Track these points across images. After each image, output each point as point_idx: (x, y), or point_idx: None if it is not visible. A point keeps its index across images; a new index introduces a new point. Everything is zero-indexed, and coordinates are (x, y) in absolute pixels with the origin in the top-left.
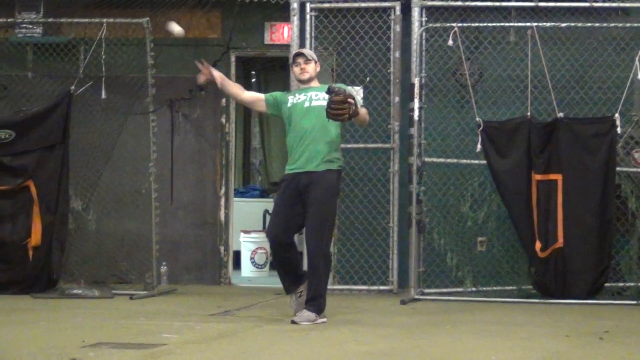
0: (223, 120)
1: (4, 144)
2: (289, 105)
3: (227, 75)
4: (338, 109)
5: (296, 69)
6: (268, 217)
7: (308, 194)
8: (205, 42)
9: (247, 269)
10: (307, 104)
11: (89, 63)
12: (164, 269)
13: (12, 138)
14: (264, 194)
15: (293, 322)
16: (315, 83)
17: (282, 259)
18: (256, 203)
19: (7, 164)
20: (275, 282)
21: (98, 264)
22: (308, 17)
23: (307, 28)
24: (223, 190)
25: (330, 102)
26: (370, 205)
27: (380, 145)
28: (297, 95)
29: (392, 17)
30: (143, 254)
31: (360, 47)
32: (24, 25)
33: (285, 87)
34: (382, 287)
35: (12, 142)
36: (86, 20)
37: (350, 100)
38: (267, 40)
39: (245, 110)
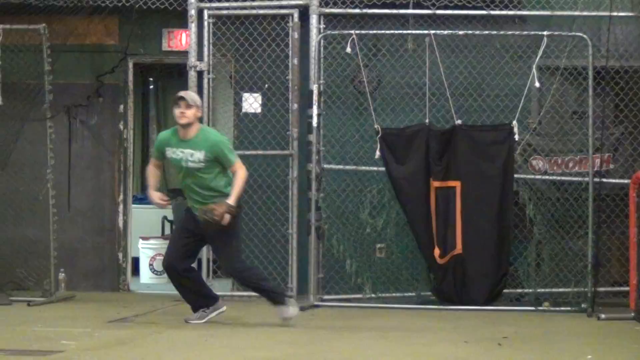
0: (121, 126)
1: None
2: (166, 153)
3: (125, 81)
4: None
5: (177, 112)
6: (167, 224)
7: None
8: (103, 49)
9: (145, 275)
10: (184, 164)
11: None
12: (62, 275)
13: None
14: None
15: (284, 318)
16: (194, 128)
17: (178, 285)
18: (154, 210)
19: None
20: (174, 289)
21: None
22: (206, 23)
23: (205, 35)
24: (121, 197)
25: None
26: (269, 212)
27: (279, 152)
28: (175, 150)
29: (290, 24)
30: (41, 261)
31: (258, 54)
32: None
33: None
34: None
35: None
36: None
37: (217, 215)
38: (165, 47)
39: (143, 117)
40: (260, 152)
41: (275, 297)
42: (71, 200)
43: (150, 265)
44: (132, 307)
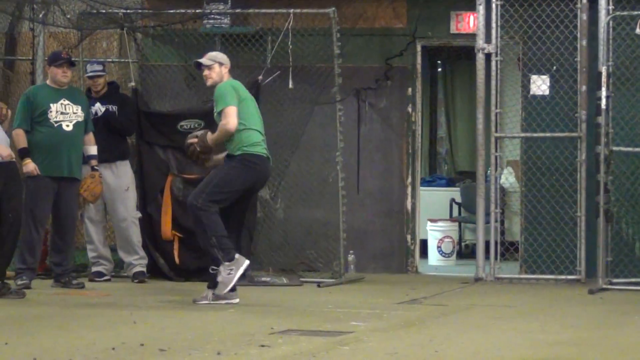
0: (409, 109)
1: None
2: None
3: (413, 65)
4: (194, 159)
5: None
6: (455, 206)
7: None
8: (391, 32)
9: (434, 257)
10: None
11: (276, 53)
12: (351, 257)
13: (201, 127)
14: (450, 183)
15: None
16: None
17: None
18: (442, 192)
19: None
20: (463, 271)
21: (286, 252)
22: (494, 6)
23: (493, 17)
24: (409, 179)
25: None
26: (557, 195)
27: (567, 134)
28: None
29: (579, 5)
30: (330, 242)
31: (546, 36)
32: (212, 16)
33: (472, 77)
34: (569, 277)
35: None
36: (273, 10)
37: (190, 141)
38: (453, 29)
39: (431, 100)
40: (548, 134)
41: (215, 258)
42: (360, 182)
43: (439, 247)
44: (420, 288)
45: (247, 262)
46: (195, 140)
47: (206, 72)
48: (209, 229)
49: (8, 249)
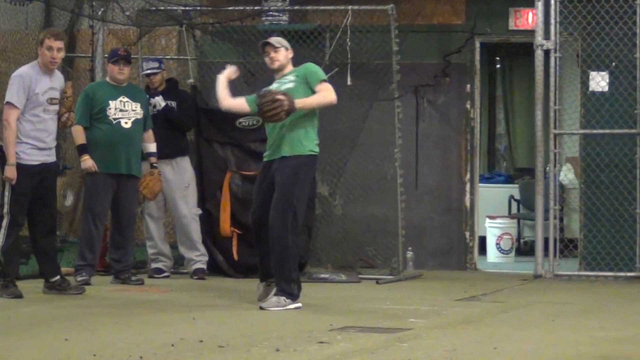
0: (468, 106)
1: (251, 130)
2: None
3: (472, 61)
4: (268, 110)
5: (267, 60)
6: (514, 203)
7: (275, 179)
8: (449, 28)
9: (492, 254)
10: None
11: (334, 50)
12: (409, 254)
13: (259, 125)
14: (509, 179)
15: (261, 308)
16: (288, 69)
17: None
18: (501, 189)
19: (255, 150)
20: (522, 268)
21: (345, 248)
22: (553, 2)
23: (552, 13)
24: (468, 176)
25: (259, 106)
26: (617, 191)
27: (626, 130)
28: (273, 85)
29: (638, 1)
30: (389, 239)
31: (605, 32)
32: (271, 13)
33: (530, 74)
34: (628, 274)
35: (259, 128)
36: (331, 7)
37: (279, 97)
38: (512, 25)
39: (489, 97)
40: (607, 130)
41: (283, 287)
42: (418, 179)
43: (497, 244)
44: (479, 285)
45: (300, 305)
46: (285, 98)
47: (273, 54)
48: (292, 261)
49: (48, 248)
